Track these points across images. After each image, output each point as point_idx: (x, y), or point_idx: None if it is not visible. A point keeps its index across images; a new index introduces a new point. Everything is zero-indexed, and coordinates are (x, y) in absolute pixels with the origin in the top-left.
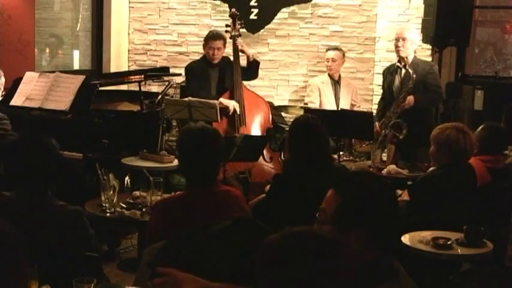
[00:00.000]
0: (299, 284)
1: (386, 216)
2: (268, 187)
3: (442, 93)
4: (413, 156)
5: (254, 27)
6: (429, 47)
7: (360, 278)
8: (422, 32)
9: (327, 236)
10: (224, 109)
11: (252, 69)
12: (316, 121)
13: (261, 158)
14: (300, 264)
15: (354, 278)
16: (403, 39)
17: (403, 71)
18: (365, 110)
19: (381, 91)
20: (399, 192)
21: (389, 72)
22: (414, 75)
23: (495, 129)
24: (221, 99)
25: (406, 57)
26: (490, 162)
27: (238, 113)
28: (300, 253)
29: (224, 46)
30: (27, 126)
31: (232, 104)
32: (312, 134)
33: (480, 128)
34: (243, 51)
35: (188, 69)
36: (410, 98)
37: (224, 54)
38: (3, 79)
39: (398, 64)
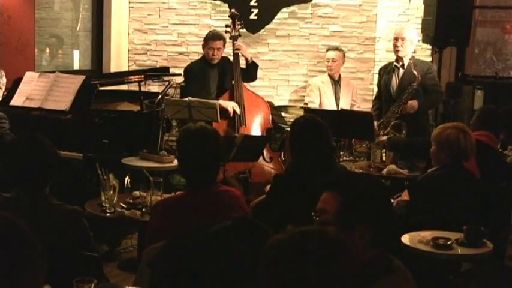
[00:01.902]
0: (307, 283)
1: (387, 213)
2: (268, 187)
3: (442, 92)
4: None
5: (254, 27)
6: (429, 47)
7: (360, 276)
8: (422, 32)
9: (334, 236)
10: (224, 111)
11: (250, 72)
12: (317, 121)
13: (261, 158)
14: (309, 264)
15: (357, 277)
16: (402, 39)
17: (401, 70)
18: (365, 110)
19: None
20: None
21: (386, 72)
22: (420, 77)
23: (489, 108)
24: (220, 101)
25: (405, 57)
26: (479, 136)
27: (238, 113)
28: (310, 253)
29: (224, 46)
30: (23, 126)
31: (231, 106)
32: (313, 134)
33: (477, 111)
34: (239, 50)
35: (187, 71)
36: (414, 103)
37: (224, 55)
38: (4, 79)
39: (396, 64)
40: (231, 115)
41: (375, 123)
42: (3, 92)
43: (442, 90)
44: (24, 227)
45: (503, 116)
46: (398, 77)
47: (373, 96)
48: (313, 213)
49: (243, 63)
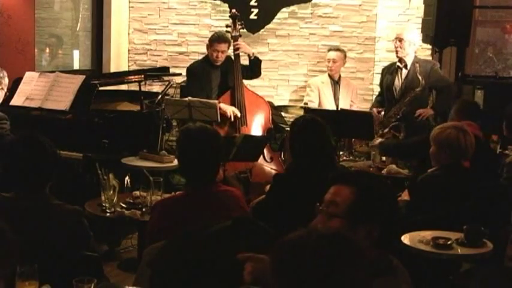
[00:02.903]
0: (322, 283)
1: (394, 215)
2: (268, 187)
3: (451, 83)
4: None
5: (254, 27)
6: (429, 47)
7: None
8: (422, 32)
9: (351, 237)
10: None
11: (254, 67)
12: (317, 121)
13: (261, 158)
14: (327, 264)
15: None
16: (400, 40)
17: (404, 71)
18: (365, 109)
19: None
20: None
21: (388, 72)
22: (423, 81)
23: (466, 100)
24: (220, 105)
25: (406, 57)
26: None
27: (239, 115)
28: (328, 253)
29: (228, 49)
30: (23, 126)
31: (230, 110)
32: (313, 134)
33: (455, 104)
34: (238, 49)
35: (190, 70)
36: (428, 110)
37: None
38: (6, 80)
39: (399, 64)
40: (232, 119)
41: (375, 109)
42: (6, 93)
43: (450, 82)
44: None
45: (479, 106)
46: (401, 77)
47: (373, 96)
48: (318, 204)
49: (245, 61)
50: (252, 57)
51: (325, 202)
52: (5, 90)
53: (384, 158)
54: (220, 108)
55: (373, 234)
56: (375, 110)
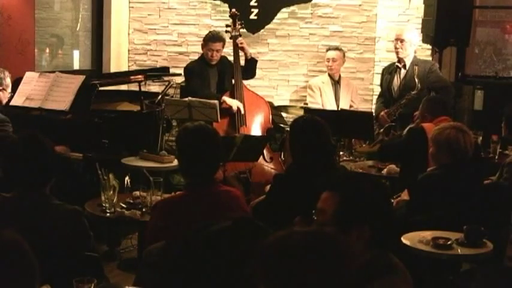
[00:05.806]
0: (306, 281)
1: (385, 214)
2: (268, 187)
3: (449, 84)
4: None
5: (254, 27)
6: (429, 47)
7: (359, 276)
8: (422, 32)
9: (334, 235)
10: (226, 109)
11: (250, 67)
12: (316, 121)
13: (261, 158)
14: (309, 262)
15: (357, 277)
16: (401, 41)
17: (403, 71)
18: (365, 109)
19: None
20: None
21: (388, 71)
22: (420, 85)
23: (436, 96)
24: (224, 98)
25: (405, 58)
26: (444, 121)
27: (242, 112)
28: (310, 251)
29: (223, 47)
30: (23, 126)
31: (235, 104)
32: (313, 134)
33: (423, 101)
34: (242, 49)
35: (188, 69)
36: None
37: (223, 54)
38: (8, 80)
39: (398, 64)
40: (235, 112)
41: (383, 113)
42: (10, 93)
43: (449, 83)
44: (24, 244)
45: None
46: (399, 77)
47: (373, 97)
48: (313, 212)
49: (242, 62)
50: (249, 57)
51: (317, 211)
52: (8, 90)
53: None
54: (224, 102)
55: (364, 235)
56: (384, 114)
